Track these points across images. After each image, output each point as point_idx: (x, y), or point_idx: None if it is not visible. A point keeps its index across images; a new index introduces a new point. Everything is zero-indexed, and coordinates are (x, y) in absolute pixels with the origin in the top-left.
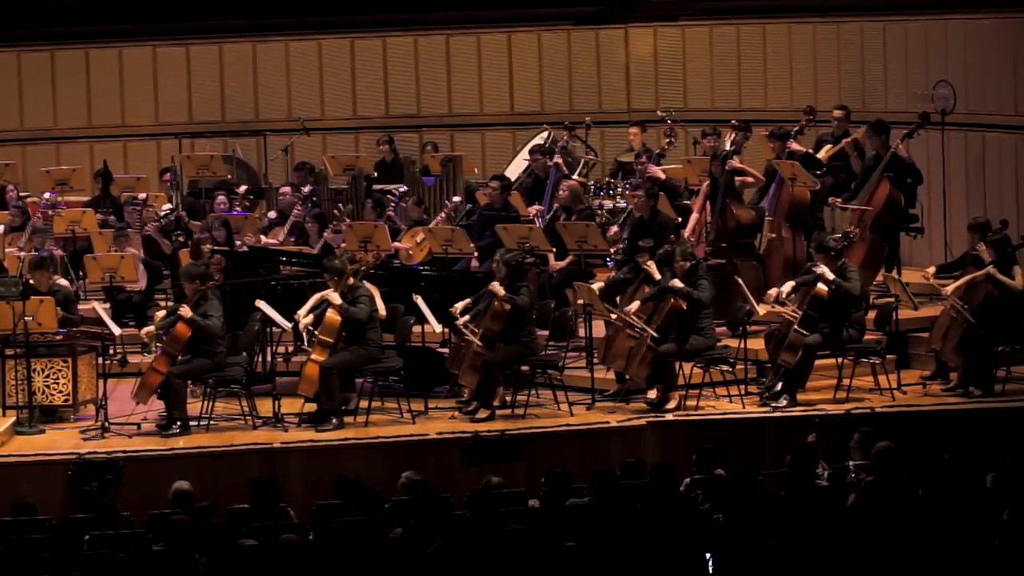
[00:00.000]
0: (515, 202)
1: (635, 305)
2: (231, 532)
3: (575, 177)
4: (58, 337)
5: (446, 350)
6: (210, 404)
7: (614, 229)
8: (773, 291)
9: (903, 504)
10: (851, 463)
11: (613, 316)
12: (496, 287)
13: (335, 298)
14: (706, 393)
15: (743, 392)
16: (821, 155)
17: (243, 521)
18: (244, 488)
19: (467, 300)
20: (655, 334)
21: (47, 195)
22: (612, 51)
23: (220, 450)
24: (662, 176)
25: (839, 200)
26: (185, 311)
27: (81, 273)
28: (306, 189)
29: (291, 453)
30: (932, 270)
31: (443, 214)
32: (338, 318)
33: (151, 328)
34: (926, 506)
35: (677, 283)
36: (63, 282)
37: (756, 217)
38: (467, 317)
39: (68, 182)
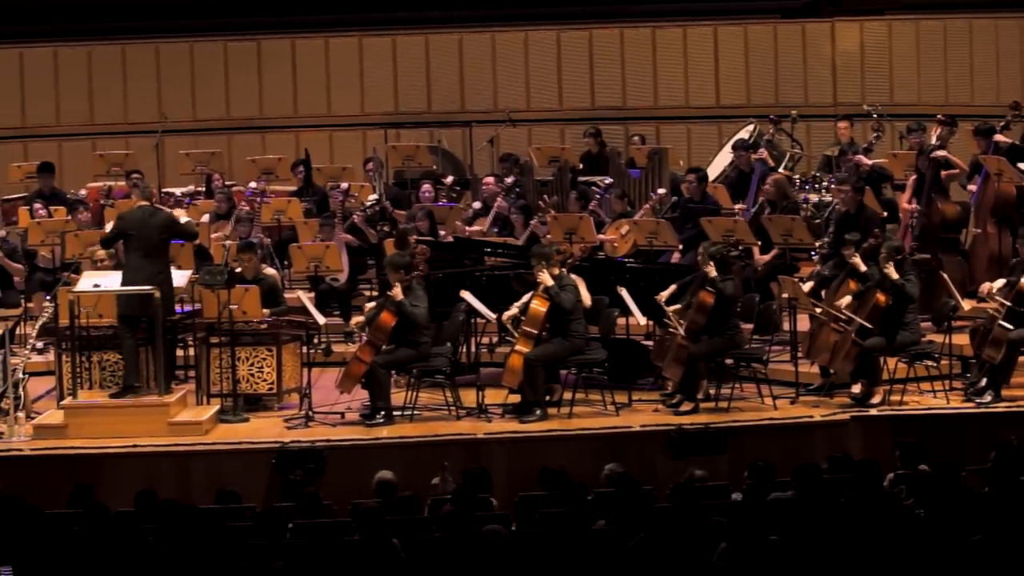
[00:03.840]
0: (720, 196)
1: (846, 299)
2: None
3: (780, 171)
4: (263, 326)
5: (650, 343)
6: (414, 394)
7: None
8: (986, 286)
9: None
10: None
11: (818, 310)
12: (710, 269)
13: (547, 279)
14: (910, 388)
15: (947, 387)
16: None
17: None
18: None
19: (672, 287)
20: (865, 323)
21: (253, 184)
22: (818, 45)
23: (423, 440)
24: (868, 163)
25: None
26: (396, 292)
27: (286, 262)
28: (508, 180)
29: (494, 444)
30: None
31: (648, 206)
32: (542, 309)
33: (360, 318)
34: None
35: (892, 271)
36: (270, 271)
37: (961, 212)
38: (676, 307)
39: (274, 171)
